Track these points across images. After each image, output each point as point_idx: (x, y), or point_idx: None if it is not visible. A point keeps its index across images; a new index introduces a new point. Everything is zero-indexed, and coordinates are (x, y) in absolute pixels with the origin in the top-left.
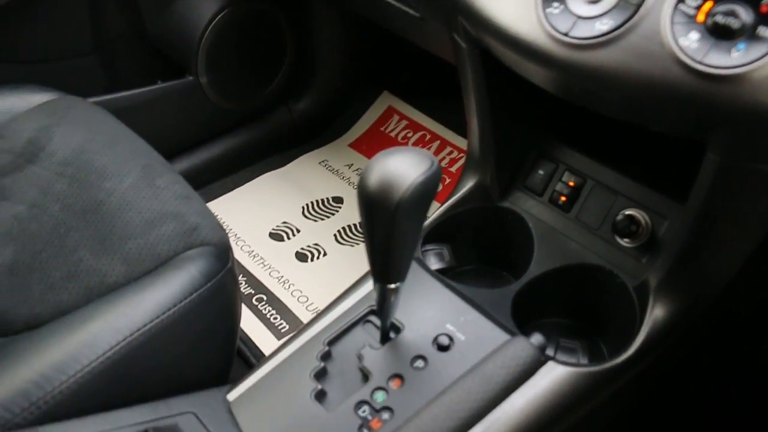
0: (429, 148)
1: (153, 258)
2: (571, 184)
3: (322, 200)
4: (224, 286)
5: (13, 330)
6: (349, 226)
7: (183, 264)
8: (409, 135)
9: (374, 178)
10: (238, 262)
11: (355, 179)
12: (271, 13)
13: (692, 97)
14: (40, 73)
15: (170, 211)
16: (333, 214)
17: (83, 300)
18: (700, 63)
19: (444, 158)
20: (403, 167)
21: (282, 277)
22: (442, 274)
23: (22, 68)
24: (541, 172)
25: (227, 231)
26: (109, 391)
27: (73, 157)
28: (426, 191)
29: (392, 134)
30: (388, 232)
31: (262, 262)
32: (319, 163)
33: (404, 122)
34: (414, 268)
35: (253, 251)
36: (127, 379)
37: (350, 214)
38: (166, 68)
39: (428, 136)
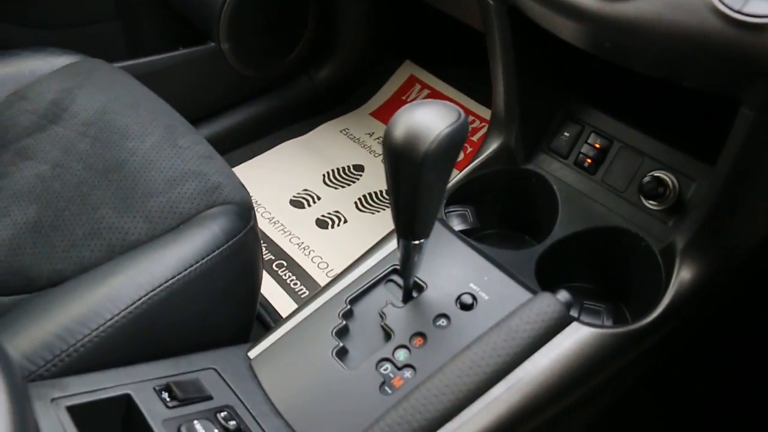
0: None
1: (175, 216)
2: (597, 146)
3: (343, 168)
4: (246, 244)
5: (36, 286)
6: (370, 194)
7: (205, 222)
8: None
9: (400, 130)
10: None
11: (377, 147)
12: None
13: (729, 48)
14: (62, 38)
15: (192, 170)
16: (354, 182)
17: (105, 257)
18: (739, 12)
19: None
20: (429, 119)
21: (302, 243)
22: (465, 236)
23: (45, 33)
24: (566, 134)
25: None
26: (130, 345)
27: (95, 117)
28: (453, 143)
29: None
30: (414, 185)
31: (283, 229)
32: (340, 131)
33: (426, 91)
34: (437, 228)
35: (273, 218)
36: (148, 335)
37: (371, 182)
38: (188, 34)
39: None
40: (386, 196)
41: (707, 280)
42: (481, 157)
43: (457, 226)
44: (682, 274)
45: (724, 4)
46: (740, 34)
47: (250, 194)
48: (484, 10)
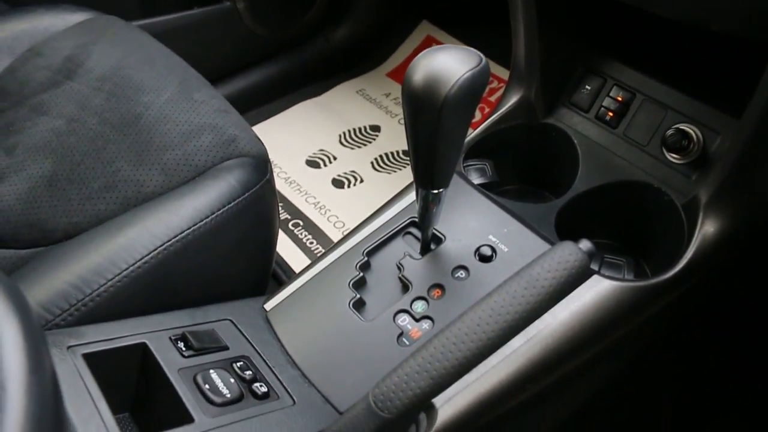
0: None
1: (191, 168)
2: (620, 99)
3: (360, 128)
4: (262, 197)
5: (52, 239)
6: (386, 154)
7: (221, 174)
8: None
9: (420, 74)
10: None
11: (393, 108)
12: None
13: None
14: None
15: (208, 124)
16: (370, 142)
17: (121, 209)
18: None
19: None
20: (450, 63)
21: (318, 203)
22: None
23: None
24: (587, 87)
25: None
26: (146, 296)
27: (110, 72)
28: (474, 88)
29: None
30: (434, 130)
31: (299, 189)
32: (357, 92)
33: None
34: (456, 180)
35: (289, 178)
36: (164, 285)
37: (387, 141)
38: None
39: None
40: (403, 157)
41: (731, 234)
42: (501, 111)
43: (476, 179)
44: (706, 228)
45: None
46: None
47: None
48: None
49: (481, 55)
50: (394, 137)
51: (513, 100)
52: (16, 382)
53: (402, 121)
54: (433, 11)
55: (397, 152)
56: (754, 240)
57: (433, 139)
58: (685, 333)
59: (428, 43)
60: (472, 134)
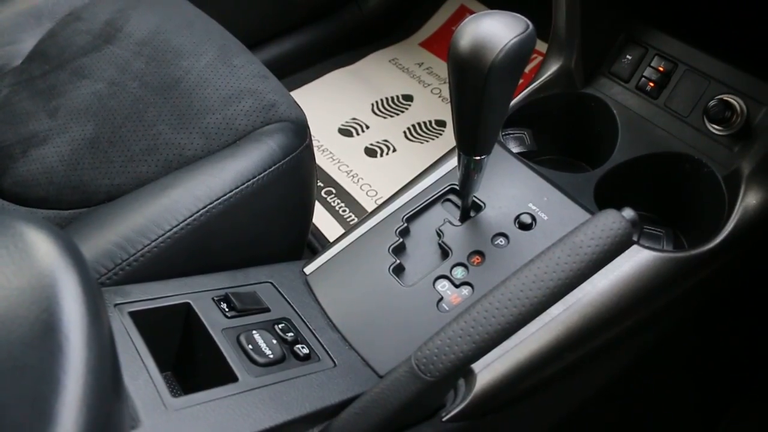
0: None
1: (231, 132)
2: (661, 69)
3: (392, 98)
4: (302, 161)
5: (95, 201)
6: (419, 123)
7: (262, 137)
8: None
9: (466, 39)
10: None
11: (426, 78)
12: None
13: None
14: None
15: (248, 88)
16: (403, 112)
17: (163, 172)
18: None
19: None
20: (497, 28)
21: (351, 171)
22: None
23: None
24: (628, 57)
25: None
26: (189, 257)
27: (150, 37)
28: (520, 54)
29: None
30: (479, 96)
31: (332, 157)
32: (389, 61)
33: None
34: (495, 149)
35: (322, 146)
36: (206, 247)
37: (420, 111)
38: None
39: None
40: (435, 127)
41: None
42: (540, 80)
43: (515, 148)
44: (747, 200)
45: None
46: None
47: None
48: None
49: (528, 21)
50: (427, 107)
51: (553, 68)
52: (78, 333)
53: (434, 91)
54: None
55: (430, 122)
56: None
57: (478, 106)
58: (721, 307)
59: (461, 13)
60: (511, 103)
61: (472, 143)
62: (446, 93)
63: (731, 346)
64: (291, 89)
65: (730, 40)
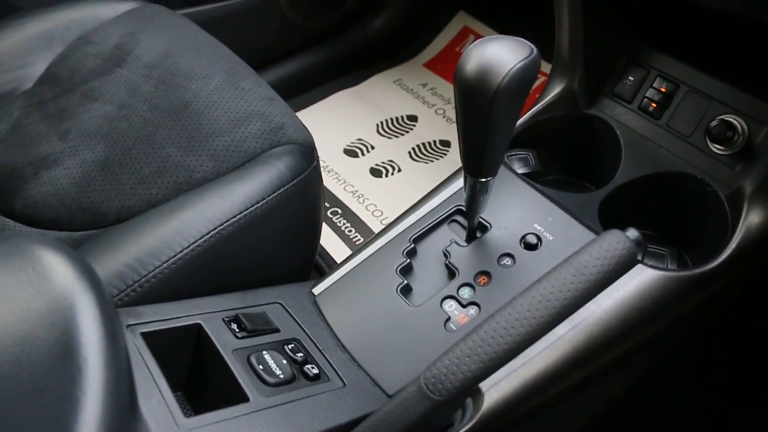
0: None
1: (240, 154)
2: (663, 90)
3: (397, 118)
4: (310, 183)
5: (105, 222)
6: (423, 144)
7: (270, 160)
8: None
9: (472, 64)
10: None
11: (430, 98)
12: None
13: None
14: None
15: (256, 111)
16: (407, 132)
17: (173, 194)
18: None
19: None
20: (502, 53)
21: (356, 191)
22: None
23: None
24: (631, 78)
25: None
26: (200, 278)
27: (159, 60)
28: (525, 78)
29: None
30: (485, 120)
31: (337, 177)
32: (394, 81)
33: None
34: (500, 170)
35: (328, 166)
36: (216, 268)
37: (425, 131)
38: None
39: None
40: (440, 147)
41: None
42: (544, 101)
43: (519, 169)
44: (750, 219)
45: None
46: None
47: None
48: None
49: (532, 45)
50: (432, 127)
51: (556, 90)
52: (96, 355)
53: (438, 111)
54: (471, 1)
55: (435, 142)
56: None
57: (484, 129)
58: (726, 325)
59: (465, 34)
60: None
61: (478, 165)
62: (450, 113)
63: (737, 362)
64: (297, 110)
65: (730, 60)
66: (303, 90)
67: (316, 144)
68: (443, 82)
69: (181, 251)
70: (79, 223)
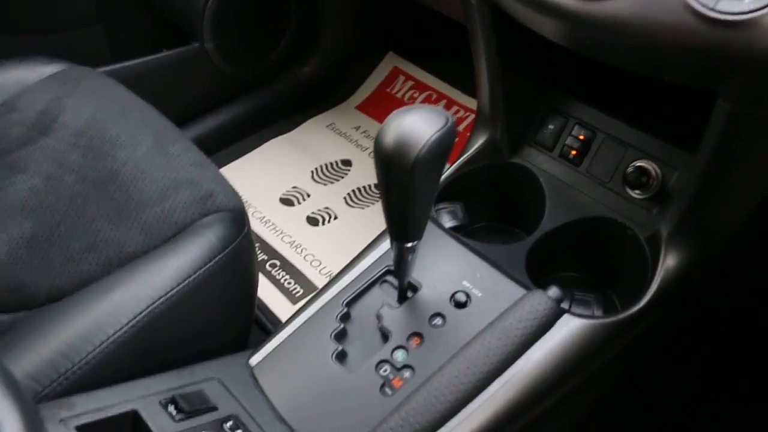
0: None
1: (170, 226)
2: (581, 137)
3: (331, 163)
4: (242, 251)
5: (35, 303)
6: (359, 189)
7: (200, 231)
8: (416, 95)
9: (390, 137)
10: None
11: (363, 141)
12: None
13: (705, 45)
14: (46, 44)
15: (185, 179)
16: (342, 177)
17: (104, 270)
18: (713, 10)
19: None
20: (418, 125)
21: (294, 241)
22: (455, 232)
23: (28, 41)
24: (551, 126)
25: None
26: (134, 359)
27: (86, 127)
28: (442, 148)
29: (398, 95)
30: (406, 190)
31: (274, 228)
32: (327, 126)
33: (410, 82)
34: (428, 226)
35: (264, 217)
36: (151, 347)
37: (359, 176)
38: (172, 35)
39: (434, 96)
40: (374, 191)
41: (692, 267)
42: (468, 153)
43: (448, 223)
44: (668, 262)
45: (698, 2)
46: (715, 32)
47: (240, 193)
48: (466, 8)
49: (448, 114)
50: (366, 171)
51: (480, 141)
52: None
53: (372, 155)
54: (400, 43)
55: (369, 186)
56: (714, 272)
57: (406, 198)
58: (656, 362)
59: (395, 74)
60: (441, 178)
61: (403, 231)
62: None
63: (668, 398)
64: (231, 160)
65: (642, 108)
66: (236, 139)
67: (251, 194)
68: (376, 124)
69: (114, 334)
70: (8, 305)
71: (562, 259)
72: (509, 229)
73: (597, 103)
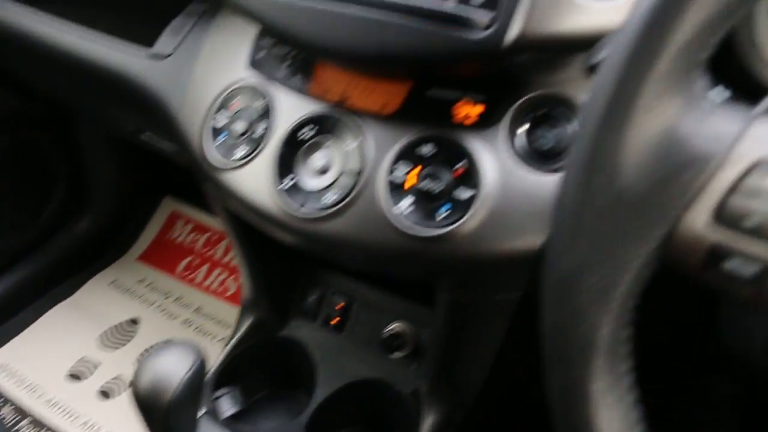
0: (217, 249)
1: None
2: (339, 306)
3: (118, 325)
4: None
5: None
6: (148, 350)
7: None
8: (197, 238)
9: (144, 382)
10: (35, 418)
11: (150, 295)
12: (31, 141)
13: (414, 257)
14: None
15: None
16: (131, 338)
17: None
18: (411, 228)
19: (233, 258)
20: (169, 366)
21: (87, 421)
22: (237, 417)
23: None
24: (312, 297)
25: (20, 380)
26: None
27: None
28: (194, 384)
29: (179, 240)
30: (166, 429)
31: (63, 410)
32: (109, 284)
33: (189, 226)
34: (205, 425)
35: (51, 399)
36: None
37: (149, 335)
38: None
39: (215, 236)
40: None
41: (449, 421)
42: (237, 336)
43: (228, 410)
44: (428, 419)
45: (399, 222)
46: (418, 246)
47: (23, 375)
48: (219, 212)
49: (198, 350)
50: (155, 327)
51: (248, 322)
52: None
53: (161, 308)
54: (175, 186)
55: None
56: (472, 427)
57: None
58: None
59: (174, 219)
60: (213, 366)
61: None
62: (173, 309)
63: None
64: (12, 336)
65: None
66: (13, 314)
67: (34, 373)
68: (161, 275)
69: None
70: None
71: (343, 420)
72: (290, 393)
73: (349, 272)
